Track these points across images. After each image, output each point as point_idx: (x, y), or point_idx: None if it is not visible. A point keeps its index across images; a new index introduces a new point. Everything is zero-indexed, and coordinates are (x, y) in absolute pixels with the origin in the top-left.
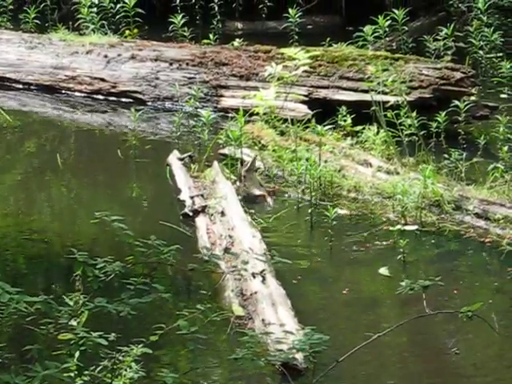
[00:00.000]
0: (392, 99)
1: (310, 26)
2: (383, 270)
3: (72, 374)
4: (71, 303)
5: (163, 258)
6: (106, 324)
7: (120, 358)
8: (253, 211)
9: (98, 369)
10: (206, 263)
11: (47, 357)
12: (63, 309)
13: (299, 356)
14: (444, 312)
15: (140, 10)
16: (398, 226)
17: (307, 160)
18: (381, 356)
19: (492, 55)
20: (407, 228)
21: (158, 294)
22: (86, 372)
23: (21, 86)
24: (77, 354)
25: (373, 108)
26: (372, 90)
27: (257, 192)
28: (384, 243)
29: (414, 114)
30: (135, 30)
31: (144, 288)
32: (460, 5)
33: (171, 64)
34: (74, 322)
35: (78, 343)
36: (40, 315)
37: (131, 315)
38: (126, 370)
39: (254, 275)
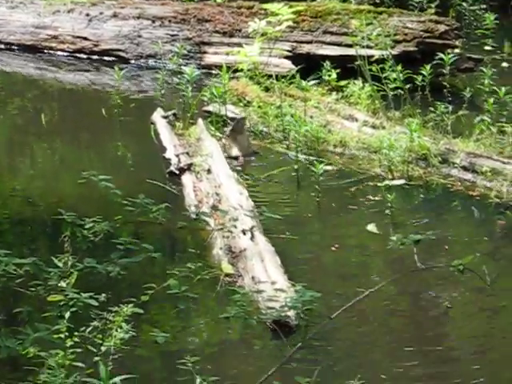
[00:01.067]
0: (377, 53)
1: None
2: (371, 227)
3: (62, 336)
4: (60, 264)
5: (152, 216)
6: (95, 285)
7: (110, 318)
8: (239, 168)
9: (89, 329)
10: (194, 221)
11: (37, 319)
12: (52, 270)
13: (291, 313)
14: (436, 266)
15: None
16: (386, 181)
17: (292, 116)
18: (373, 312)
19: (476, 7)
20: (394, 182)
21: (147, 253)
22: (77, 333)
23: (2, 47)
24: (67, 315)
25: (357, 62)
26: (356, 45)
27: (232, 153)
28: (371, 198)
29: (399, 67)
30: None
31: (133, 248)
32: None
33: (154, 21)
34: (63, 284)
35: (68, 304)
36: (29, 277)
37: (121, 275)
38: (116, 331)
39: (243, 232)
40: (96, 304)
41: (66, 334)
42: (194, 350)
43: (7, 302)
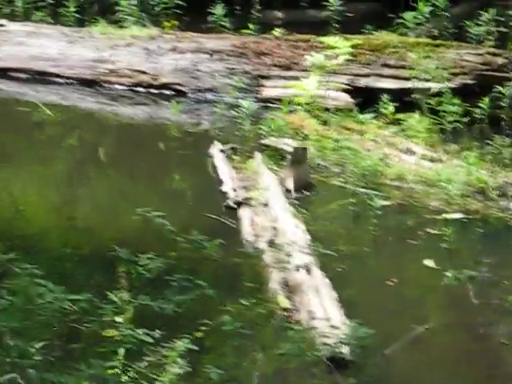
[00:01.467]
0: (434, 86)
1: (350, 14)
2: (428, 262)
3: (117, 371)
4: (116, 299)
5: (206, 253)
6: (149, 321)
7: (165, 353)
8: (296, 202)
9: (144, 365)
10: (249, 256)
11: (92, 355)
12: (106, 306)
13: (345, 350)
14: (490, 302)
15: (179, 2)
16: (443, 215)
17: (349, 149)
18: (428, 348)
19: None
20: (452, 216)
21: (201, 290)
22: (131, 368)
23: (62, 81)
24: (122, 351)
25: (414, 96)
26: (413, 78)
27: (288, 186)
28: (429, 232)
29: (457, 100)
30: (174, 22)
31: (187, 284)
32: None
33: (211, 55)
34: (119, 319)
35: (122, 340)
36: (84, 313)
37: (175, 312)
38: (171, 366)
39: (299, 267)
40: (150, 340)
41: (121, 369)
42: None
43: (62, 338)
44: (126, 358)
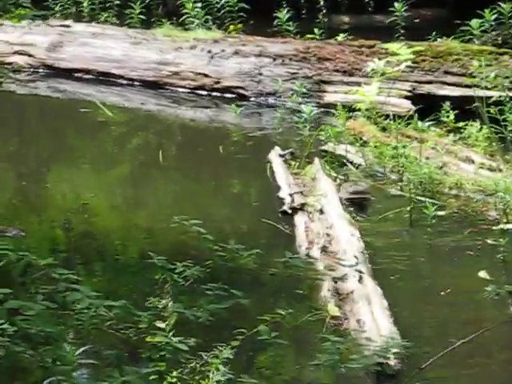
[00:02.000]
0: (495, 94)
1: (416, 20)
2: (483, 273)
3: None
4: (160, 305)
5: (243, 262)
6: (185, 329)
7: (208, 360)
8: (352, 209)
9: (186, 371)
10: (289, 267)
11: (128, 361)
12: (142, 314)
13: (392, 360)
14: None
15: (244, 5)
16: (500, 225)
17: (406, 157)
18: (466, 362)
19: None
20: (509, 227)
21: (236, 299)
22: (174, 374)
23: (125, 82)
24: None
25: (475, 104)
26: (475, 86)
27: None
28: (485, 242)
29: None
30: (239, 25)
31: (222, 293)
32: None
33: (274, 59)
34: (161, 325)
35: (158, 348)
36: (119, 320)
37: (209, 321)
38: (213, 373)
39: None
40: (185, 348)
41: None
42: None
43: (97, 345)
44: (161, 366)
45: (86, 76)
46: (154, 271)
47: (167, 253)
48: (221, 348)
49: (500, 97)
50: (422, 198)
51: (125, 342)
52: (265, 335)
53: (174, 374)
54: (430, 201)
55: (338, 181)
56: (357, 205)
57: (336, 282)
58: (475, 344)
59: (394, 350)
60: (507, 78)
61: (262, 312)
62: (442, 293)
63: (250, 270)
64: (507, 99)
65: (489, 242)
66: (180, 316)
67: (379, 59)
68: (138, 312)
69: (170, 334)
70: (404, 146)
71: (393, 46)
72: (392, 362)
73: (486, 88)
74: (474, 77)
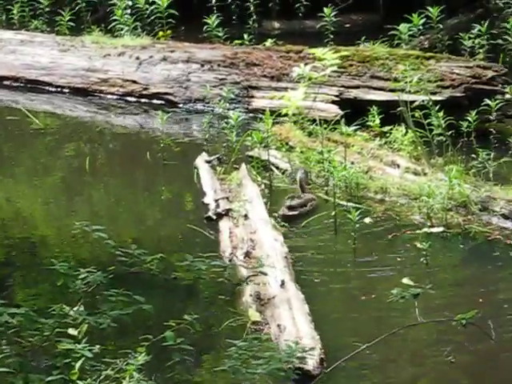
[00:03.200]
0: (418, 99)
1: (347, 25)
2: (406, 280)
3: None
4: (72, 313)
5: (145, 267)
6: (89, 335)
7: (123, 366)
8: (276, 214)
9: (100, 378)
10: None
11: (32, 369)
12: (45, 321)
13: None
14: (436, 320)
15: (173, 11)
16: (424, 229)
17: (330, 162)
18: (373, 365)
19: None
20: (433, 230)
21: (138, 305)
22: (88, 381)
23: (54, 89)
24: (78, 364)
25: (399, 108)
26: (399, 90)
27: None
28: (409, 246)
29: (442, 113)
30: (168, 32)
31: (124, 299)
32: (498, 1)
33: (202, 65)
34: (74, 332)
35: (63, 355)
36: (23, 327)
37: (110, 327)
38: (128, 380)
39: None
40: (90, 355)
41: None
42: None
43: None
44: (65, 373)
45: (15, 84)
46: (57, 278)
47: (76, 259)
48: (134, 354)
49: (423, 101)
50: (347, 203)
51: (29, 349)
52: (170, 341)
53: (89, 380)
54: (355, 206)
55: (262, 186)
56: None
57: (240, 285)
58: (380, 346)
59: (299, 355)
60: (429, 81)
61: (167, 318)
62: (363, 297)
63: (154, 275)
64: (430, 103)
65: (413, 246)
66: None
67: (306, 64)
68: (41, 319)
69: (83, 341)
70: (329, 151)
71: (319, 51)
72: (297, 366)
73: (411, 92)
74: (399, 81)
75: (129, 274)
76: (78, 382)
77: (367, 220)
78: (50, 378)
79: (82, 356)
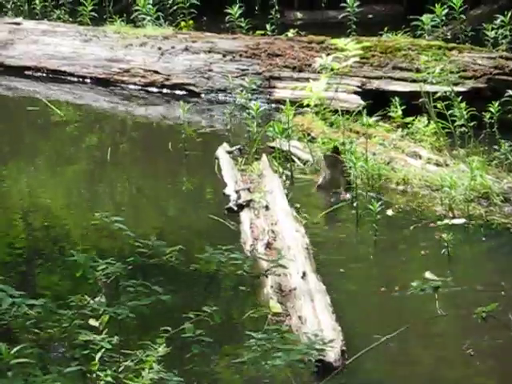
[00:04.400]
0: (440, 89)
1: (370, 15)
2: (429, 274)
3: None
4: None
5: (165, 259)
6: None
7: (143, 358)
8: (297, 205)
9: (121, 369)
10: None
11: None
12: (64, 312)
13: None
14: (456, 314)
15: (195, 1)
16: (445, 220)
17: (352, 153)
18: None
19: None
20: (455, 221)
21: (156, 296)
22: (109, 372)
23: (75, 79)
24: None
25: (421, 99)
26: (421, 81)
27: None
28: (430, 238)
29: (464, 104)
30: (190, 22)
31: (143, 290)
32: None
33: (224, 56)
34: (95, 323)
35: (82, 347)
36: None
37: (129, 318)
38: (148, 371)
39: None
40: (109, 347)
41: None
42: None
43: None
44: (84, 364)
45: (37, 74)
46: (76, 268)
47: (96, 250)
48: (154, 346)
49: (446, 92)
50: (370, 194)
51: (48, 340)
52: (189, 333)
53: (108, 372)
54: (378, 197)
55: (284, 177)
56: None
57: (259, 278)
58: (400, 339)
59: (319, 347)
60: (452, 72)
61: (187, 309)
62: (383, 289)
63: (174, 266)
64: (453, 94)
65: (435, 237)
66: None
67: (328, 55)
68: (60, 310)
69: (104, 332)
70: (351, 142)
71: (341, 42)
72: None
73: (433, 83)
74: (421, 72)
75: (148, 266)
76: (98, 373)
77: (390, 212)
78: (68, 370)
79: (101, 347)
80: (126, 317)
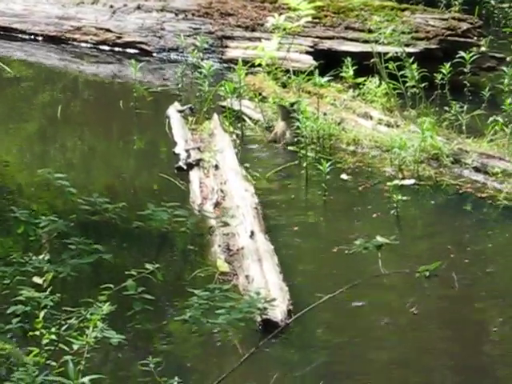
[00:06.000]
0: (392, 50)
1: None
2: (380, 238)
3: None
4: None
5: (108, 216)
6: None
7: (88, 316)
8: (247, 165)
9: (64, 327)
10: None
11: None
12: (5, 269)
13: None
14: (399, 271)
15: None
16: (395, 181)
17: (302, 112)
18: (335, 315)
19: (505, 5)
20: (404, 182)
21: (98, 254)
22: (52, 330)
23: (27, 37)
24: (41, 314)
25: (373, 60)
26: (373, 41)
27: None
28: (380, 198)
29: (416, 65)
30: None
31: (85, 248)
32: None
33: (177, 14)
34: (39, 280)
35: (23, 303)
36: None
37: (71, 276)
38: (92, 330)
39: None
40: (51, 304)
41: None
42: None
43: None
44: (26, 322)
45: None
46: (17, 225)
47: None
48: (98, 304)
49: (397, 53)
50: (319, 155)
51: None
52: (131, 290)
53: (53, 330)
54: (327, 157)
55: (234, 136)
56: None
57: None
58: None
59: (261, 306)
60: (403, 33)
61: (130, 267)
62: (335, 249)
63: (117, 224)
64: (404, 55)
65: (383, 198)
66: (41, 271)
67: (281, 14)
68: (1, 268)
69: (48, 290)
70: (305, 102)
71: (293, 2)
72: (265, 317)
73: (385, 44)
74: (373, 32)
75: (91, 223)
76: (42, 330)
77: (345, 176)
78: (9, 327)
79: (43, 305)
80: (67, 275)
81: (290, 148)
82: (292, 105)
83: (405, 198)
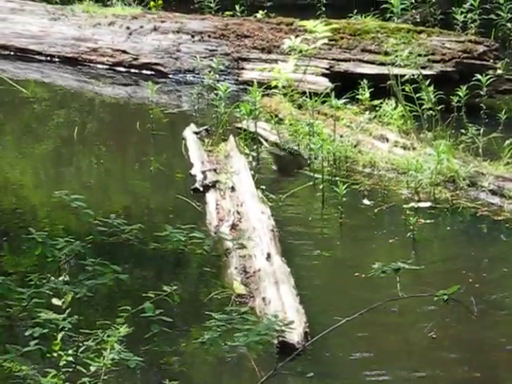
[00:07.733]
0: (409, 72)
1: None
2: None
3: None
4: (53, 283)
5: (125, 237)
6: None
7: (104, 338)
8: (263, 187)
9: (81, 349)
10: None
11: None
12: (23, 291)
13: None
14: (418, 295)
15: None
16: (411, 203)
17: (319, 135)
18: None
19: None
20: (420, 205)
21: (115, 275)
22: (70, 352)
23: (43, 58)
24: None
25: (389, 82)
26: (389, 64)
27: None
28: (396, 221)
29: (432, 88)
30: (159, 2)
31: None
32: None
33: (193, 36)
34: (58, 302)
35: (39, 325)
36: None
37: (87, 297)
38: (109, 352)
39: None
40: (69, 326)
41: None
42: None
43: None
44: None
45: (4, 52)
46: (35, 247)
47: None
48: (115, 326)
49: (414, 75)
50: (335, 178)
51: (7, 319)
52: (149, 312)
53: (70, 351)
54: (343, 180)
55: (250, 158)
56: None
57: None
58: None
59: (279, 328)
60: (420, 55)
61: (147, 289)
62: (357, 274)
63: (134, 245)
64: (420, 77)
65: (399, 220)
66: (59, 292)
67: (297, 37)
68: (19, 289)
69: (66, 311)
70: (321, 124)
71: (310, 24)
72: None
73: (401, 66)
74: (390, 55)
75: (107, 244)
76: (60, 352)
77: (366, 201)
78: (27, 349)
79: (61, 327)
80: (83, 295)
81: (305, 170)
82: (291, 152)
83: (422, 220)
